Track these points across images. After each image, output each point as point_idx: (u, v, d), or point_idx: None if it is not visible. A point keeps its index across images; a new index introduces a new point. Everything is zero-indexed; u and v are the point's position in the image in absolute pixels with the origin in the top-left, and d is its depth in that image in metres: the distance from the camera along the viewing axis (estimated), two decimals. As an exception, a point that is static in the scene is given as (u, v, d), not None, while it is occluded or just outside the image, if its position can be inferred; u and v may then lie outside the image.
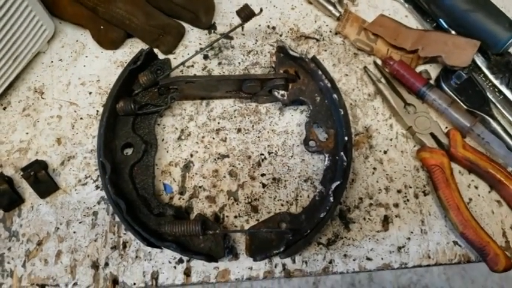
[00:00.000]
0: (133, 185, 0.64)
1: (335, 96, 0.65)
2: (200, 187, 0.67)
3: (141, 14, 0.71)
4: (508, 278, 1.75)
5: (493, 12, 0.70)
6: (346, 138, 0.64)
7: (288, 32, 0.77)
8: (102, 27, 0.72)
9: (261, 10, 0.68)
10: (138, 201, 0.63)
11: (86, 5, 0.71)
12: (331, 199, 0.60)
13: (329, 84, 0.66)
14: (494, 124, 0.70)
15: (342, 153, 0.63)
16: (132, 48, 0.75)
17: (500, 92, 0.73)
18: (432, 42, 0.72)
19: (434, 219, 0.67)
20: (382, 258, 0.65)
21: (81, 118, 0.70)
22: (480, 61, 0.74)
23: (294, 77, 0.68)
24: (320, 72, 0.66)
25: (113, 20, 0.71)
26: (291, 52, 0.67)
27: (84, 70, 0.73)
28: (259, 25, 0.77)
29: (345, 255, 0.65)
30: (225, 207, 0.66)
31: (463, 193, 0.68)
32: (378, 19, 0.76)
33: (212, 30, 0.77)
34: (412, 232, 0.66)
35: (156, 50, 0.74)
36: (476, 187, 0.70)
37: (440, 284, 1.74)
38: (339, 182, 0.61)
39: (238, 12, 0.67)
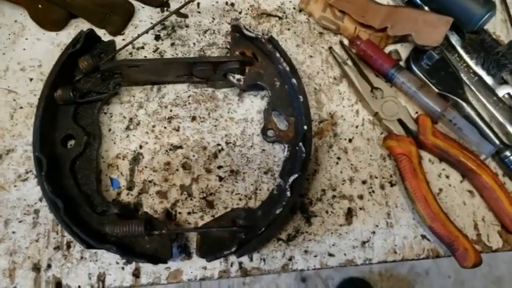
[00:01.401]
0: (74, 180, 0.58)
1: (294, 81, 0.60)
2: (150, 181, 0.62)
3: (83, -9, 0.64)
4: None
5: (467, -14, 0.64)
6: (305, 127, 0.59)
7: (248, 9, 0.71)
8: (40, 6, 0.65)
9: (213, -15, 0.61)
10: (79, 198, 0.58)
11: (21, -19, 0.64)
12: (288, 193, 0.56)
13: (287, 68, 0.60)
14: (467, 108, 0.65)
15: (300, 143, 0.58)
16: (77, 29, 0.68)
17: (475, 73, 0.68)
18: (402, 20, 0.66)
19: (401, 211, 0.63)
20: (345, 254, 0.61)
21: (20, 107, 0.64)
22: (454, 39, 0.69)
23: (250, 59, 0.62)
24: (278, 55, 0.61)
25: (53, -2, 0.64)
26: (246, 32, 0.61)
27: (24, 54, 0.67)
28: (217, 1, 0.71)
29: (306, 252, 0.61)
30: (178, 203, 0.62)
31: (433, 183, 0.64)
32: (345, -6, 0.70)
33: (165, 8, 0.70)
34: (377, 226, 0.62)
35: (103, 31, 0.68)
36: (447, 176, 0.65)
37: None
38: (296, 175, 0.56)
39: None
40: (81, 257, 0.59)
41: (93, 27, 0.68)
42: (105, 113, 0.64)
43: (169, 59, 0.64)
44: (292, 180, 0.56)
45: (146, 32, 0.62)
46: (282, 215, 0.56)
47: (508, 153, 0.64)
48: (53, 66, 0.60)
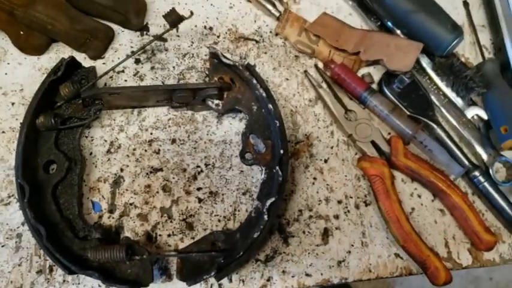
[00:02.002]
0: (56, 206, 0.60)
1: (270, 106, 0.62)
2: (131, 204, 0.64)
3: (64, 17, 0.65)
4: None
5: (436, 13, 0.67)
6: (281, 151, 0.61)
7: (226, 33, 0.73)
8: (22, 32, 0.66)
9: (192, 13, 0.63)
10: (62, 224, 0.59)
11: (2, 8, 0.65)
12: (266, 217, 0.58)
13: (264, 94, 0.62)
14: (438, 130, 0.68)
15: (277, 167, 0.60)
16: (58, 53, 0.69)
17: (445, 95, 0.70)
18: (374, 44, 0.68)
19: (376, 230, 0.65)
20: (321, 274, 0.63)
21: (2, 132, 0.65)
22: (425, 62, 0.71)
23: (228, 85, 0.64)
24: (255, 81, 0.63)
25: (34, 24, 0.65)
26: (224, 59, 0.63)
27: (6, 78, 0.68)
28: (195, 25, 0.73)
29: (284, 272, 0.62)
30: (158, 225, 0.63)
31: (406, 202, 0.67)
32: (320, 18, 0.72)
33: (144, 32, 0.72)
34: (352, 245, 0.64)
35: (84, 55, 0.69)
36: (419, 196, 0.68)
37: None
38: (274, 199, 0.58)
39: (166, 17, 0.62)
40: (64, 280, 0.60)
41: (74, 52, 0.69)
42: (86, 137, 0.66)
43: (149, 86, 0.66)
44: (270, 203, 0.58)
45: (129, 57, 0.63)
46: (259, 238, 0.57)
47: (476, 173, 0.66)
48: (34, 93, 0.61)
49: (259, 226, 0.58)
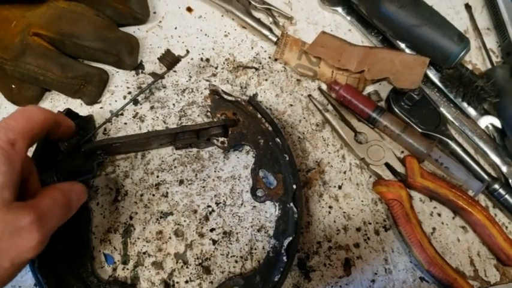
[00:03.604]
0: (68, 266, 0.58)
1: (278, 140, 0.60)
2: (144, 253, 0.61)
3: (55, 66, 0.63)
4: None
5: (440, 25, 0.64)
6: (294, 186, 0.58)
7: (224, 63, 0.70)
8: (13, 86, 0.64)
9: (188, 52, 0.61)
10: (76, 285, 0.57)
11: (-9, 64, 0.63)
12: (285, 258, 0.56)
13: (270, 128, 0.60)
14: (452, 145, 0.65)
15: (291, 203, 0.58)
16: (54, 102, 0.67)
17: (456, 106, 0.68)
18: (379, 62, 0.66)
19: (398, 255, 0.63)
20: (347, 307, 0.61)
21: (4, 190, 0.63)
22: (433, 74, 0.69)
23: (232, 121, 0.62)
24: (259, 115, 0.60)
25: (25, 77, 0.63)
26: (225, 96, 0.61)
27: (2, 133, 0.65)
28: (192, 58, 0.70)
29: (308, 309, 0.61)
30: (174, 272, 0.61)
31: (426, 222, 0.64)
32: (319, 38, 0.69)
33: (140, 70, 0.69)
34: (376, 273, 0.62)
35: (80, 101, 0.67)
36: (439, 214, 0.66)
37: None
38: (291, 238, 0.56)
39: (161, 60, 0.60)
40: None
41: (69, 99, 0.67)
42: (91, 187, 0.63)
43: (151, 132, 0.63)
44: (288, 243, 0.56)
45: (126, 105, 0.61)
46: (280, 282, 0.56)
47: (496, 186, 0.64)
48: (33, 152, 0.59)
49: (279, 268, 0.56)
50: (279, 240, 0.59)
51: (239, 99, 0.61)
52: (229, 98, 0.61)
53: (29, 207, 0.41)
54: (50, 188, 0.46)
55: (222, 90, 0.61)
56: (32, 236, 0.40)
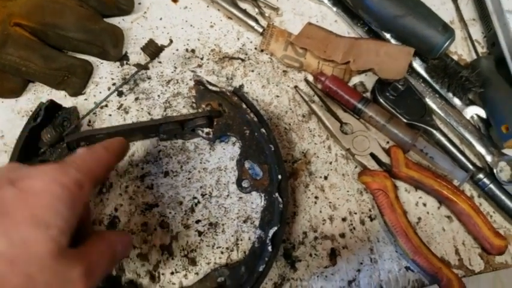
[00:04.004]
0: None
1: (263, 130, 0.59)
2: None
3: (38, 57, 0.62)
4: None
5: (424, 15, 0.64)
6: (279, 176, 0.58)
7: (210, 54, 0.70)
8: (-5, 77, 0.63)
9: (171, 41, 0.60)
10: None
11: (-28, 54, 0.62)
12: (270, 248, 0.56)
13: (255, 118, 0.60)
14: (437, 134, 0.65)
15: (277, 194, 0.57)
16: (37, 93, 0.66)
17: (441, 96, 0.68)
18: (364, 53, 0.66)
19: (384, 245, 0.63)
20: (332, 296, 0.61)
21: (-13, 182, 0.62)
22: (418, 65, 0.69)
23: (217, 112, 0.62)
24: (245, 106, 0.60)
25: (6, 68, 0.62)
26: (210, 86, 0.61)
27: (-16, 125, 0.65)
28: (177, 49, 0.70)
29: (294, 299, 0.61)
30: (160, 264, 0.61)
31: (412, 212, 0.65)
32: (305, 30, 0.69)
33: (124, 62, 0.69)
34: (361, 263, 0.62)
35: (64, 93, 0.66)
36: (424, 204, 0.66)
37: None
38: (276, 228, 0.56)
39: (144, 49, 0.60)
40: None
41: (53, 91, 0.66)
42: (76, 179, 0.63)
43: (135, 123, 0.63)
44: (273, 233, 0.56)
45: (109, 95, 0.60)
46: (265, 272, 0.55)
47: (481, 176, 0.64)
48: (15, 142, 0.58)
49: (264, 258, 0.56)
50: (265, 231, 0.59)
51: (224, 90, 0.60)
52: (214, 88, 0.61)
53: (80, 258, 0.37)
54: (99, 238, 0.43)
55: (207, 81, 0.61)
56: None
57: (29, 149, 0.60)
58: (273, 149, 0.59)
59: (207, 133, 0.62)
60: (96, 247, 0.41)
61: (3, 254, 0.32)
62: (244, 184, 0.62)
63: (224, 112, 0.63)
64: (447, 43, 0.64)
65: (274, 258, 0.57)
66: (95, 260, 0.40)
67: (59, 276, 0.35)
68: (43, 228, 0.34)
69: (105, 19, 0.68)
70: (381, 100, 0.66)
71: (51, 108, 0.60)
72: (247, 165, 0.62)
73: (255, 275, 0.55)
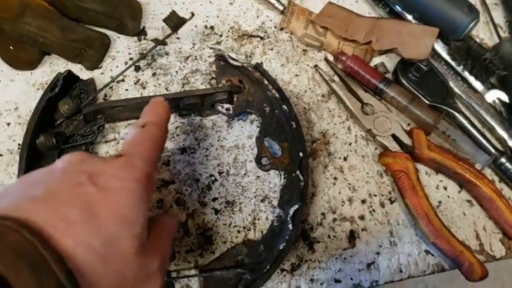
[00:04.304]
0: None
1: (285, 107, 0.58)
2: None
3: (55, 28, 0.61)
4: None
5: (450, -5, 0.63)
6: (301, 154, 0.57)
7: (229, 31, 0.69)
8: (11, 47, 0.62)
9: (192, 15, 0.59)
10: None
11: (-12, 23, 0.60)
12: (290, 226, 0.55)
13: (277, 95, 0.59)
14: (460, 117, 0.64)
15: (297, 172, 0.56)
16: (53, 66, 0.65)
17: (463, 79, 0.67)
18: (386, 33, 0.65)
19: (403, 228, 0.62)
20: (351, 279, 0.60)
21: (0, 155, 0.61)
22: (440, 47, 0.68)
23: (238, 88, 0.61)
24: (266, 82, 0.59)
25: (24, 38, 0.61)
26: (232, 61, 0.59)
27: (-1, 97, 0.63)
28: (196, 26, 0.68)
29: (312, 280, 0.59)
30: (175, 242, 0.59)
31: (432, 196, 0.64)
32: (326, 8, 0.68)
33: (142, 36, 0.68)
34: (380, 246, 0.61)
35: (80, 66, 0.65)
36: (445, 188, 0.65)
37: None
38: (297, 206, 0.55)
39: (166, 21, 0.58)
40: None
41: (69, 63, 0.65)
42: (91, 154, 0.62)
43: (154, 96, 0.62)
44: (293, 211, 0.55)
45: (128, 68, 0.59)
46: (285, 250, 0.54)
47: (503, 160, 0.63)
48: (32, 112, 0.57)
49: (284, 236, 0.55)
50: (284, 210, 0.58)
51: (245, 65, 0.59)
52: (236, 63, 0.59)
53: (155, 250, 0.38)
54: (159, 225, 0.43)
55: (228, 55, 0.60)
56: (157, 282, 0.38)
57: (45, 121, 0.58)
58: (294, 126, 0.58)
59: (227, 109, 0.61)
60: (161, 236, 0.42)
61: (98, 253, 0.32)
62: (264, 161, 0.60)
63: (244, 88, 0.61)
64: (472, 24, 0.63)
65: (294, 236, 0.55)
66: (164, 249, 0.41)
67: (142, 271, 0.36)
68: (128, 226, 0.34)
69: (123, -8, 0.67)
70: (403, 81, 0.65)
71: (68, 79, 0.59)
72: (266, 143, 0.61)
73: (275, 253, 0.54)
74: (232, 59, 0.59)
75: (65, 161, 0.37)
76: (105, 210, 0.34)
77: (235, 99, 0.61)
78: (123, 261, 0.34)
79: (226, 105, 0.61)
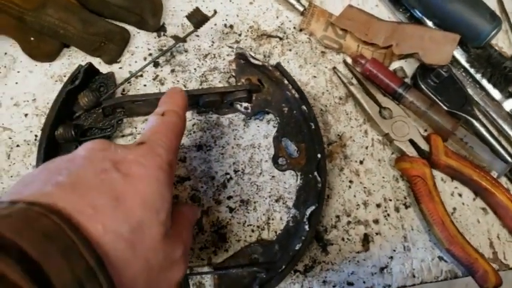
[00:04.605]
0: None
1: (304, 108, 0.58)
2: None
3: (76, 21, 0.61)
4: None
5: (472, 2, 0.63)
6: (319, 155, 0.57)
7: (248, 30, 0.69)
8: (32, 38, 0.62)
9: (215, 12, 0.59)
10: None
11: (10, 13, 0.60)
12: (307, 227, 0.54)
13: (297, 95, 0.59)
14: (477, 125, 0.64)
15: (315, 173, 0.56)
16: (71, 59, 0.65)
17: (482, 87, 0.67)
18: (407, 37, 0.65)
19: (418, 233, 0.62)
20: (364, 282, 0.60)
21: (17, 145, 0.61)
22: (459, 54, 0.68)
23: (257, 87, 0.60)
24: (286, 82, 0.59)
25: (45, 29, 0.61)
26: (252, 60, 0.59)
27: (17, 88, 0.63)
28: (215, 24, 0.68)
29: (324, 282, 0.59)
30: (189, 238, 0.59)
31: (447, 202, 0.63)
32: (346, 11, 0.68)
33: (162, 33, 0.68)
34: (394, 250, 0.61)
35: (98, 60, 0.65)
36: (460, 195, 0.65)
37: None
38: (314, 207, 0.55)
39: (189, 17, 0.58)
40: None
41: (88, 57, 0.65)
42: (107, 148, 0.61)
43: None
44: (310, 212, 0.55)
45: (148, 64, 0.59)
46: (301, 251, 0.54)
47: (520, 168, 0.63)
48: (52, 103, 0.57)
49: (300, 237, 0.55)
50: (300, 210, 0.58)
51: (266, 64, 0.59)
52: (257, 62, 0.59)
53: (178, 238, 0.39)
54: (180, 214, 0.43)
55: (249, 54, 0.60)
56: (180, 268, 0.39)
57: (64, 113, 0.58)
58: (313, 127, 0.58)
59: (246, 108, 0.61)
60: (182, 225, 0.42)
61: (127, 239, 0.32)
62: (281, 161, 0.60)
63: (263, 88, 0.61)
64: (494, 32, 0.63)
65: (311, 237, 0.55)
66: (186, 238, 0.41)
67: (167, 258, 0.36)
68: (154, 213, 0.34)
69: (145, -12, 0.67)
70: (422, 86, 0.65)
71: (88, 72, 0.59)
72: (283, 144, 0.61)
73: (291, 253, 0.54)
74: (254, 57, 0.60)
75: (86, 148, 0.37)
76: (131, 197, 0.34)
77: (253, 98, 0.61)
78: (150, 248, 0.34)
79: (245, 104, 0.61)
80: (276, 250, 0.56)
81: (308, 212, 0.55)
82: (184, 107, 0.46)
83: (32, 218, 0.28)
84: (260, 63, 0.59)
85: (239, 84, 0.61)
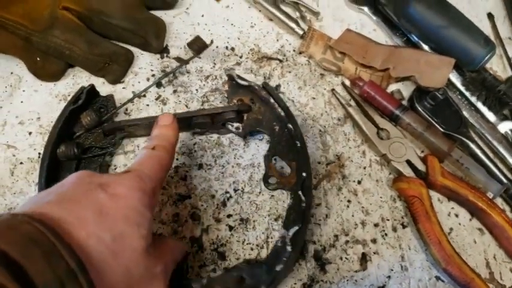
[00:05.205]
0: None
1: (290, 126, 0.60)
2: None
3: (82, 42, 0.63)
4: None
5: (467, 27, 0.65)
6: (304, 174, 0.58)
7: (249, 53, 0.71)
8: (38, 58, 0.64)
9: (212, 42, 0.62)
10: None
11: (17, 34, 0.62)
12: (289, 248, 0.55)
13: (283, 113, 0.60)
14: (473, 146, 0.65)
15: (299, 192, 0.57)
16: (75, 78, 0.67)
17: (477, 110, 0.68)
18: (404, 61, 0.67)
19: (415, 253, 0.63)
20: (361, 301, 0.60)
21: (21, 163, 0.62)
22: (455, 77, 0.69)
23: (247, 107, 0.62)
24: (273, 100, 0.60)
25: (51, 50, 0.63)
26: (239, 81, 0.62)
27: (22, 107, 0.65)
28: (217, 46, 0.70)
29: (322, 301, 0.60)
30: (189, 257, 0.60)
31: (444, 222, 0.64)
32: (344, 35, 0.70)
33: (165, 54, 0.69)
34: (392, 270, 0.62)
35: (102, 80, 0.66)
36: (456, 215, 0.65)
37: None
38: (297, 228, 0.55)
39: (190, 45, 0.61)
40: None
41: (91, 76, 0.66)
42: (109, 165, 0.63)
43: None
44: (293, 233, 0.55)
45: (151, 86, 0.61)
46: (282, 273, 0.54)
47: (515, 190, 0.64)
48: (54, 122, 0.59)
49: (282, 258, 0.55)
50: (288, 230, 0.58)
51: (252, 84, 0.61)
52: (243, 82, 0.61)
53: (159, 257, 0.42)
54: (164, 243, 0.48)
55: (237, 75, 0.61)
56: (160, 284, 0.42)
57: (66, 131, 0.60)
58: (299, 145, 0.59)
59: (237, 128, 0.62)
60: (165, 252, 0.46)
61: (109, 246, 0.35)
62: (271, 180, 0.61)
63: (255, 107, 0.63)
64: (488, 56, 0.64)
65: (293, 258, 0.55)
66: (168, 260, 0.45)
67: (147, 271, 0.39)
68: (135, 227, 0.38)
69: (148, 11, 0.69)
70: (419, 108, 0.66)
71: (91, 93, 0.61)
72: (274, 163, 0.62)
73: (273, 275, 0.54)
74: (241, 78, 0.61)
75: (74, 175, 0.40)
76: (114, 212, 0.37)
77: (245, 118, 0.62)
78: (131, 257, 0.37)
79: (236, 124, 0.62)
80: (262, 271, 0.56)
81: (291, 232, 0.55)
82: (174, 143, 0.50)
83: (14, 224, 0.31)
84: (247, 84, 0.61)
85: (230, 104, 0.63)
